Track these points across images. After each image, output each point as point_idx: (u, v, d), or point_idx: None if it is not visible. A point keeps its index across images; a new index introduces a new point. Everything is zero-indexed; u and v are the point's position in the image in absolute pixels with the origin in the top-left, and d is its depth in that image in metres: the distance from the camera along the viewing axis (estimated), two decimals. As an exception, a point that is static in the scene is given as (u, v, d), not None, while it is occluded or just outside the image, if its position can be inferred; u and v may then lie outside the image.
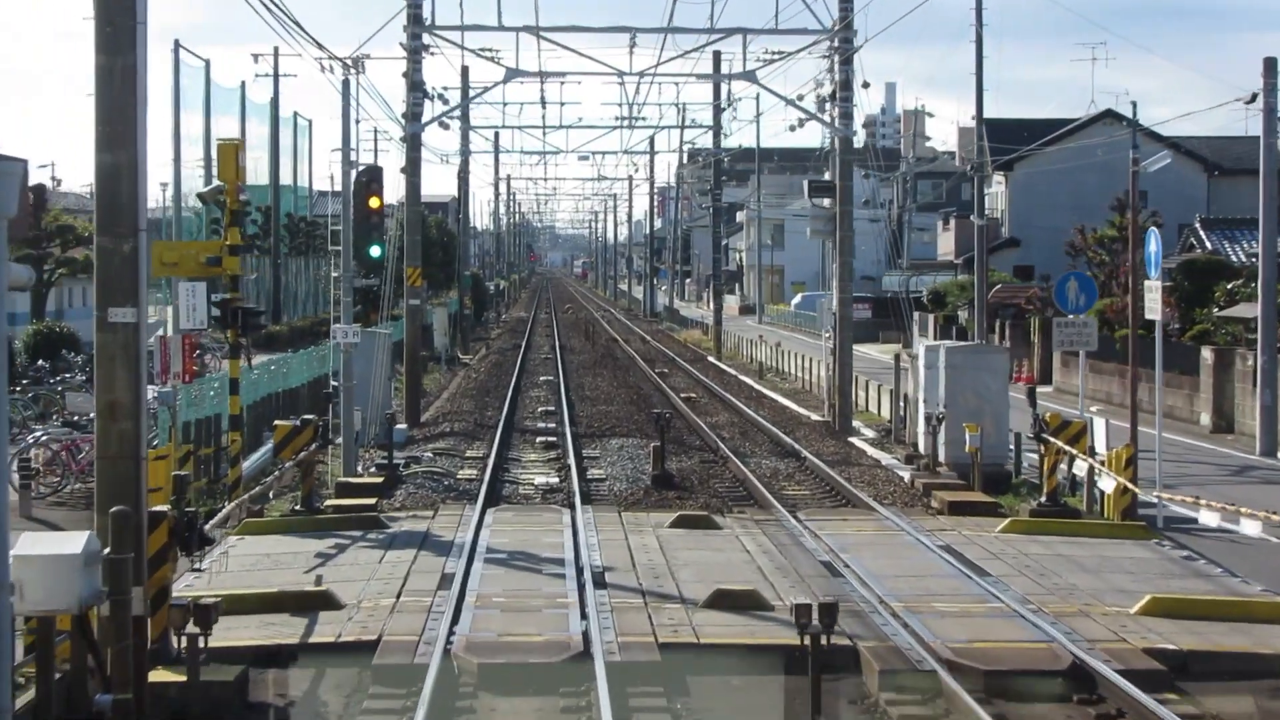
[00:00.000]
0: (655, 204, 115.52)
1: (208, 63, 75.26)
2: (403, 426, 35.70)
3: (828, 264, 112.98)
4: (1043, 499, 23.04)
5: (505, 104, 63.27)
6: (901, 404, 34.53)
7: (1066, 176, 66.01)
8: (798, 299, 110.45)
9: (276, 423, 23.71)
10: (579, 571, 17.96)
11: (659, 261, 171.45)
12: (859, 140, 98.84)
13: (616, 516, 22.48)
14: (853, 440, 34.84)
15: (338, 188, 32.66)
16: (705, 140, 73.98)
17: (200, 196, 22.19)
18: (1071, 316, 26.08)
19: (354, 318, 37.80)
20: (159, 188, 75.68)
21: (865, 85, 37.57)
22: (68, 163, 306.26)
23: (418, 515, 22.62)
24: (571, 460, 29.03)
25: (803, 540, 20.32)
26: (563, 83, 68.06)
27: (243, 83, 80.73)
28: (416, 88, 37.07)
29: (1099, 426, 23.92)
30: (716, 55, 66.82)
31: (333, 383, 28.00)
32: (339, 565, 18.63)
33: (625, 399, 43.14)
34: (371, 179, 27.42)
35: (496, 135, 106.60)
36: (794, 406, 43.07)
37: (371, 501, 23.65)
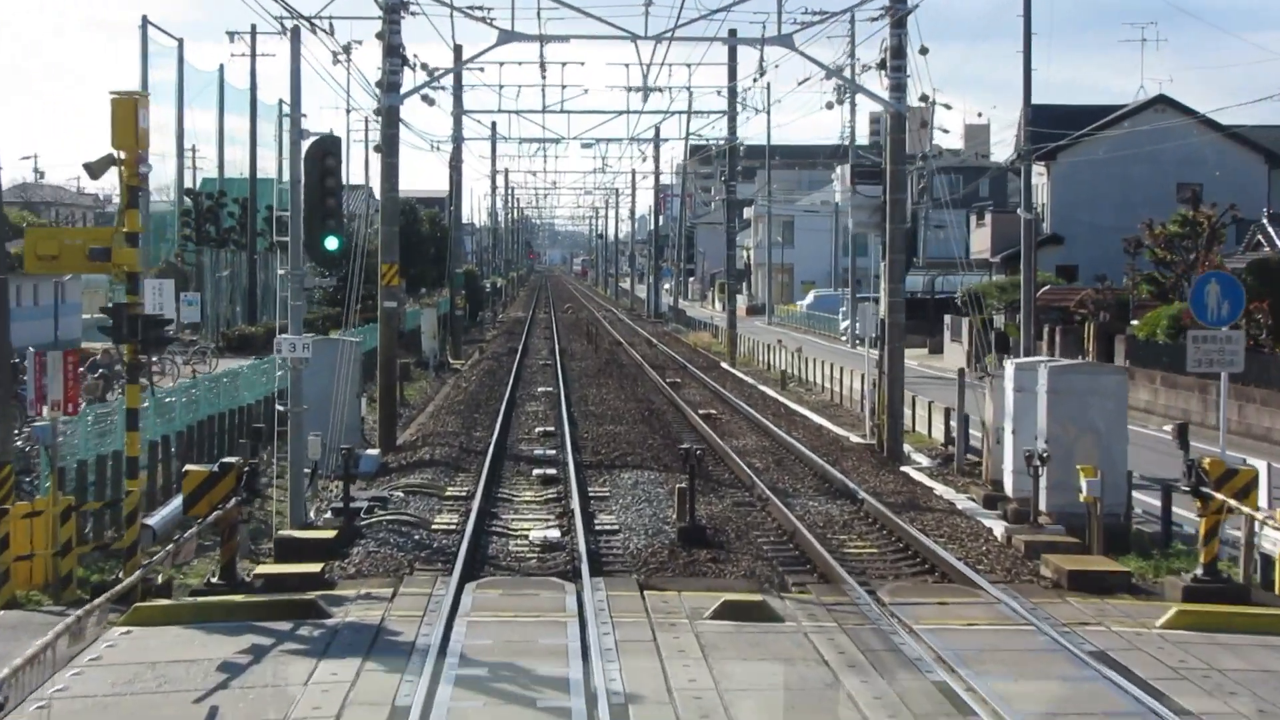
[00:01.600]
0: (658, 200, 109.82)
1: (180, 43, 69.73)
2: (374, 453, 30.12)
3: (839, 262, 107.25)
4: (1198, 571, 17.44)
5: (501, 86, 57.64)
6: (974, 431, 28.98)
7: (1113, 168, 60.45)
8: (809, 299, 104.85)
9: (188, 468, 18.06)
10: (590, 701, 12.39)
11: (661, 259, 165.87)
12: (862, 137, 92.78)
13: (638, 596, 16.87)
14: (907, 471, 29.28)
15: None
16: (713, 129, 68.40)
17: (87, 168, 16.49)
18: (1216, 330, 20.50)
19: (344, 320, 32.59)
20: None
21: (923, 51, 31.94)
22: (55, 154, 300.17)
23: (373, 595, 16.98)
24: (575, 503, 23.40)
25: (898, 642, 14.70)
26: (564, 65, 62.63)
27: (220, 66, 75.04)
28: (394, 52, 31.46)
29: (1261, 472, 18.33)
30: (732, 32, 61.43)
31: (278, 407, 22.44)
32: (245, 690, 13.01)
33: (635, 416, 37.50)
34: (327, 152, 21.81)
35: (494, 126, 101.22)
36: (828, 425, 37.49)
37: (316, 570, 18.04)
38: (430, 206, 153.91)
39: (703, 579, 18.57)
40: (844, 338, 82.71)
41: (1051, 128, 58.46)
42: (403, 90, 32.05)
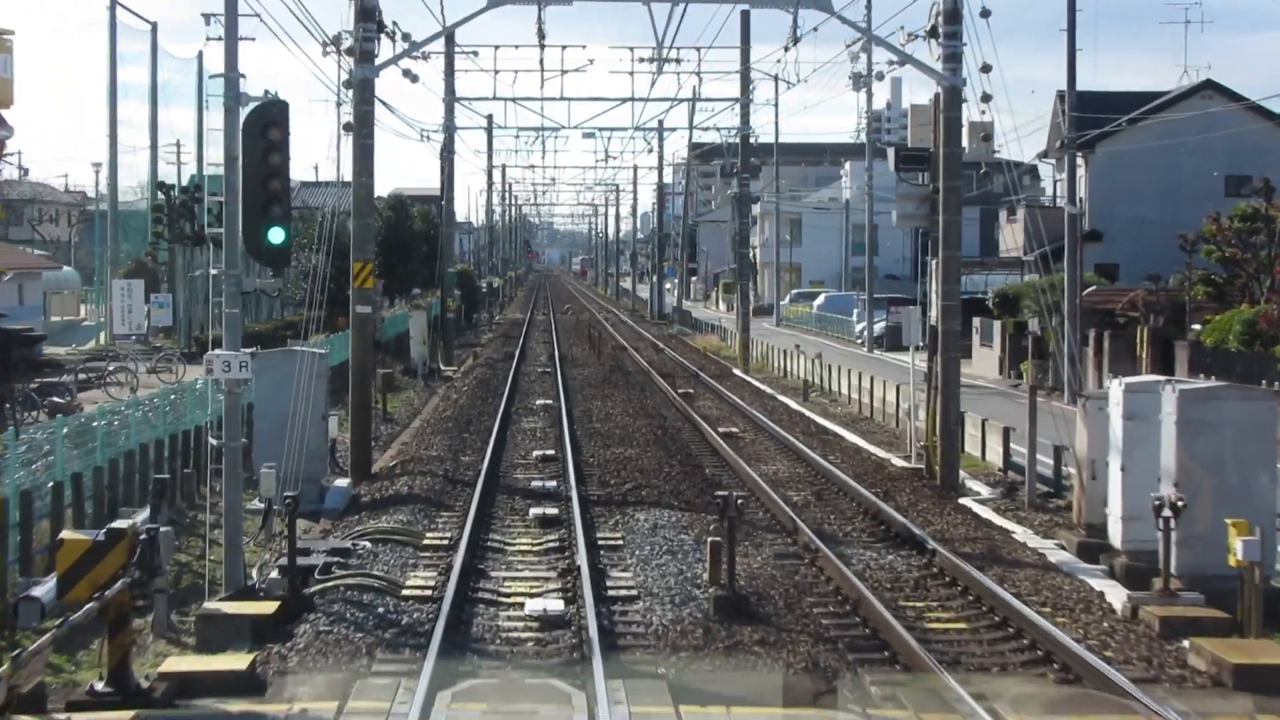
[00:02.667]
0: (661, 194, 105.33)
1: (154, 27, 65.37)
2: (344, 484, 25.69)
3: (849, 261, 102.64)
4: None
5: (496, 71, 53.15)
6: (1041, 456, 24.62)
7: (1156, 159, 55.99)
8: (821, 299, 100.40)
9: (64, 535, 13.58)
10: None
11: (663, 258, 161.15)
12: (857, 134, 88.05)
13: (670, 709, 12.44)
14: (969, 505, 24.90)
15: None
16: (723, 119, 63.97)
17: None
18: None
19: (320, 325, 28.29)
20: (91, 170, 65.65)
21: (985, 14, 27.41)
22: (41, 151, 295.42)
23: (309, 712, 12.55)
24: (582, 555, 18.95)
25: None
26: (564, 49, 58.00)
27: (200, 53, 70.84)
28: (368, 16, 27.01)
29: None
30: (745, 15, 57.02)
31: (210, 440, 18.01)
32: None
33: (646, 435, 33.00)
34: (270, 122, 17.34)
35: (490, 120, 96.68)
36: (864, 444, 33.09)
37: (243, 665, 13.64)
38: (424, 204, 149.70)
39: (752, 675, 14.14)
40: (859, 340, 78.31)
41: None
42: (379, 60, 27.57)
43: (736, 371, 54.86)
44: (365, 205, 27.61)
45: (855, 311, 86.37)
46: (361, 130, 27.19)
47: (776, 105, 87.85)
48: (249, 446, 27.07)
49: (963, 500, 25.59)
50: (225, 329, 17.71)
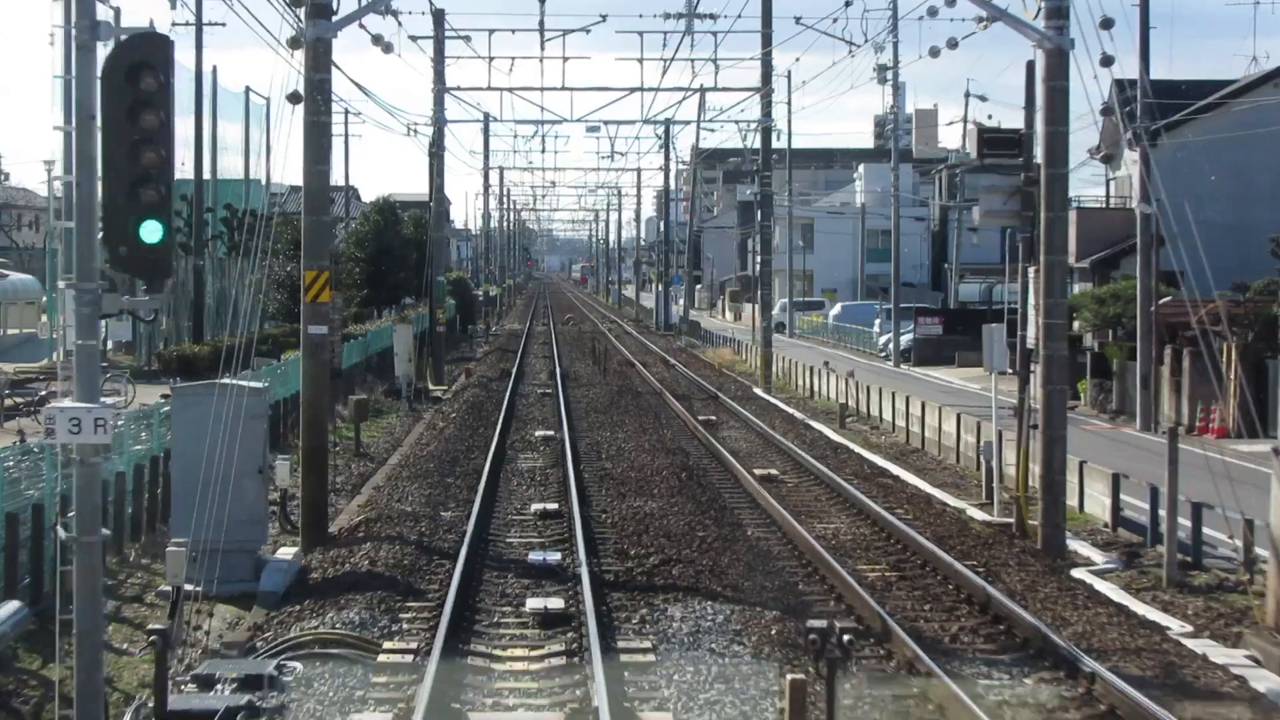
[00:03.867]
0: (668, 196, 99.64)
1: (116, 13, 59.71)
2: (289, 555, 20.01)
3: (862, 268, 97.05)
4: None
5: (492, 58, 47.69)
6: (1133, 502, 19.05)
7: (1225, 154, 50.34)
8: (837, 309, 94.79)
9: None
10: None
11: (669, 265, 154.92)
12: (865, 138, 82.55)
13: None
14: (1087, 580, 19.38)
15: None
16: (740, 111, 58.34)
17: None
18: None
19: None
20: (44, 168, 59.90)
21: (1102, -45, 21.74)
22: (26, 153, 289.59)
23: None
24: (599, 685, 13.26)
25: None
26: (565, 34, 52.44)
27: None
28: (322, -41, 21.35)
29: None
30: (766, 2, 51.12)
31: (59, 532, 12.33)
32: None
33: (669, 479, 27.18)
34: (141, 63, 11.75)
35: (487, 119, 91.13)
36: (929, 489, 27.54)
37: None
38: (417, 209, 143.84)
39: None
40: (883, 354, 72.70)
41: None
42: (337, 15, 21.88)
43: (758, 391, 49.23)
44: (319, 199, 21.89)
45: (877, 322, 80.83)
46: (315, 103, 21.50)
47: (790, 103, 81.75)
48: (161, 508, 21.50)
49: (1076, 573, 20.00)
50: (77, 368, 12.03)
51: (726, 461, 29.34)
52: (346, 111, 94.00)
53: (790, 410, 42.70)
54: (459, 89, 51.17)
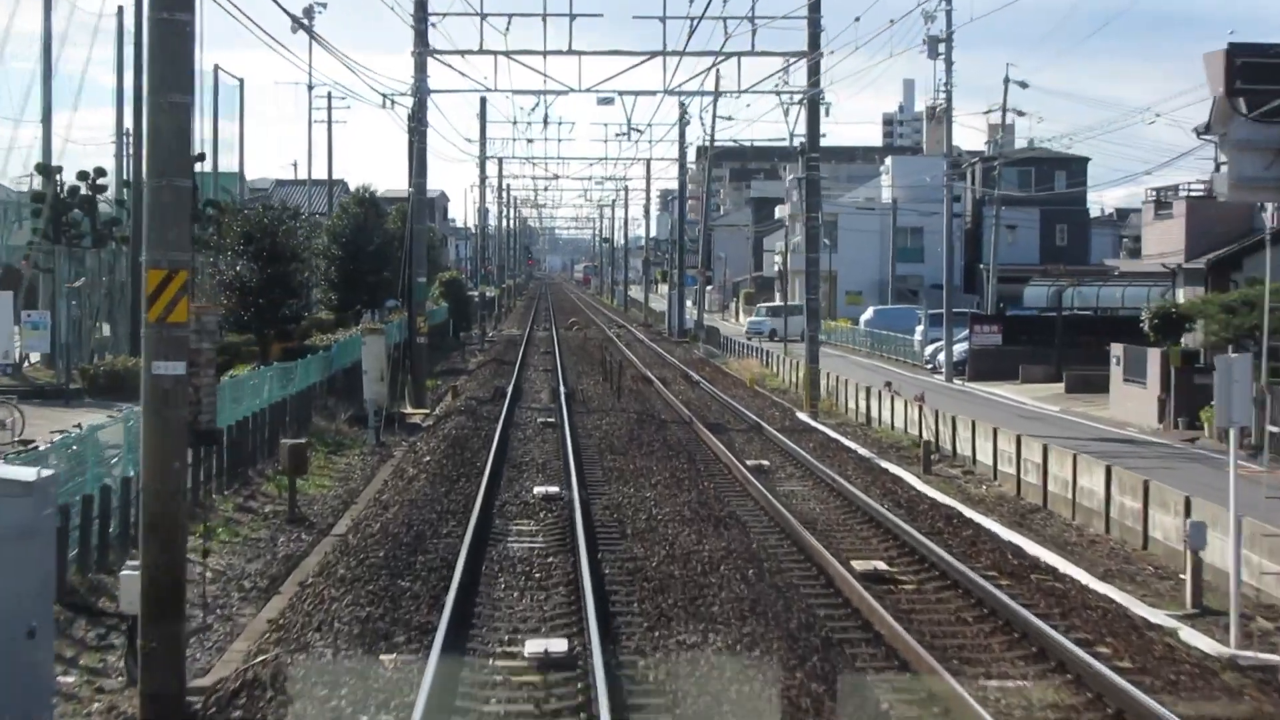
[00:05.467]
0: (684, 187, 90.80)
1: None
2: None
3: (888, 269, 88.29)
4: None
5: (485, 15, 39.14)
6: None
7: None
8: (868, 314, 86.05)
9: None
10: None
11: (684, 265, 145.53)
12: (872, 138, 72.90)
13: None
14: None
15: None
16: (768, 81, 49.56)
17: None
18: None
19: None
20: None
21: None
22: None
23: None
24: None
25: None
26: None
27: (119, 8, 56.49)
28: None
29: None
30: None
31: None
32: None
33: (733, 586, 18.04)
34: None
35: (484, 103, 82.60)
36: (1094, 583, 18.89)
37: None
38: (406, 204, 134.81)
39: None
40: (929, 366, 63.99)
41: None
42: None
43: (803, 417, 40.59)
44: (170, 148, 13.06)
45: (919, 329, 72.10)
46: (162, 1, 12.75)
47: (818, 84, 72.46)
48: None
49: None
50: None
51: (807, 544, 20.60)
52: (330, 96, 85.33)
53: (851, 445, 34.05)
54: (445, 52, 42.44)
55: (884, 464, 30.89)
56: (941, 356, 61.67)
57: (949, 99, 59.89)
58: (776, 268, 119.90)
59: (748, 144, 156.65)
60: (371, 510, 24.21)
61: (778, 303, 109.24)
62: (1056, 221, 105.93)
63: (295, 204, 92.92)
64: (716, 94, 67.86)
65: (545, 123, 41.01)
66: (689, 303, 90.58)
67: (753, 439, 34.12)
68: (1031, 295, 67.26)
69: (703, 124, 48.50)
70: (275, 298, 41.93)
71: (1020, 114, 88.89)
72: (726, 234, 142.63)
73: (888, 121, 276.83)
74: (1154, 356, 40.24)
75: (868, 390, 41.70)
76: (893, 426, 38.44)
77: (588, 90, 42.57)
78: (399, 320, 46.57)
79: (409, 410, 41.62)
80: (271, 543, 22.08)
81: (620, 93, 43.54)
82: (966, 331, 60.22)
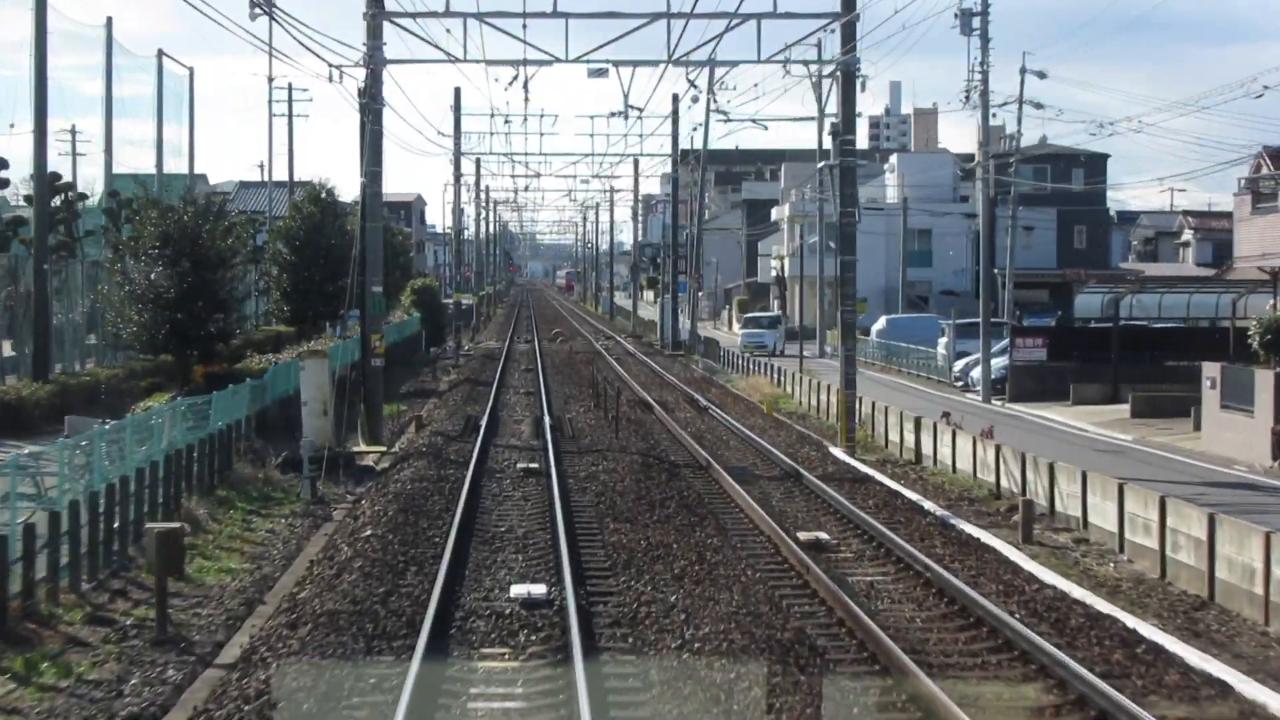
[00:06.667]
0: (676, 184, 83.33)
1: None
2: None
3: (904, 274, 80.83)
4: None
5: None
6: None
7: None
8: (880, 324, 78.81)
9: None
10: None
11: (658, 271, 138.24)
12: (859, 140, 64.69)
13: None
14: None
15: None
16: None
17: None
18: None
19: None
20: None
21: None
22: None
23: None
24: None
25: None
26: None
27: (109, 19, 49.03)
28: None
29: None
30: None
31: None
32: None
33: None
34: None
35: (458, 94, 75.12)
36: None
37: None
38: (393, 215, 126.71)
39: None
40: (958, 382, 56.78)
41: None
42: None
43: (838, 452, 33.45)
44: None
45: (942, 341, 64.84)
46: None
47: (832, 75, 64.79)
48: None
49: None
50: None
51: (933, 705, 13.26)
52: (290, 87, 77.76)
53: (912, 496, 26.82)
54: (403, 15, 34.98)
55: (963, 526, 23.66)
56: (975, 373, 54.47)
57: (985, 79, 52.72)
58: (774, 273, 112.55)
59: (734, 149, 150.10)
60: (280, 624, 16.78)
61: (774, 312, 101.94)
62: (1075, 222, 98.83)
63: (256, 207, 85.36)
64: (712, 84, 60.58)
65: (526, 98, 34.72)
66: (681, 312, 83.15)
67: (792, 493, 26.74)
68: (1083, 303, 59.87)
69: (714, 97, 41.47)
70: (198, 311, 34.53)
71: (1038, 106, 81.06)
72: (716, 238, 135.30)
73: (874, 124, 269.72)
74: (1265, 379, 33.08)
75: (917, 422, 34.33)
76: (953, 467, 31.18)
77: (576, 60, 35.15)
78: (337, 343, 39.11)
79: (361, 448, 34.22)
80: (118, 687, 14.69)
81: (615, 63, 35.96)
82: (1003, 343, 53.11)
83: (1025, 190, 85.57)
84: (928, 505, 26.11)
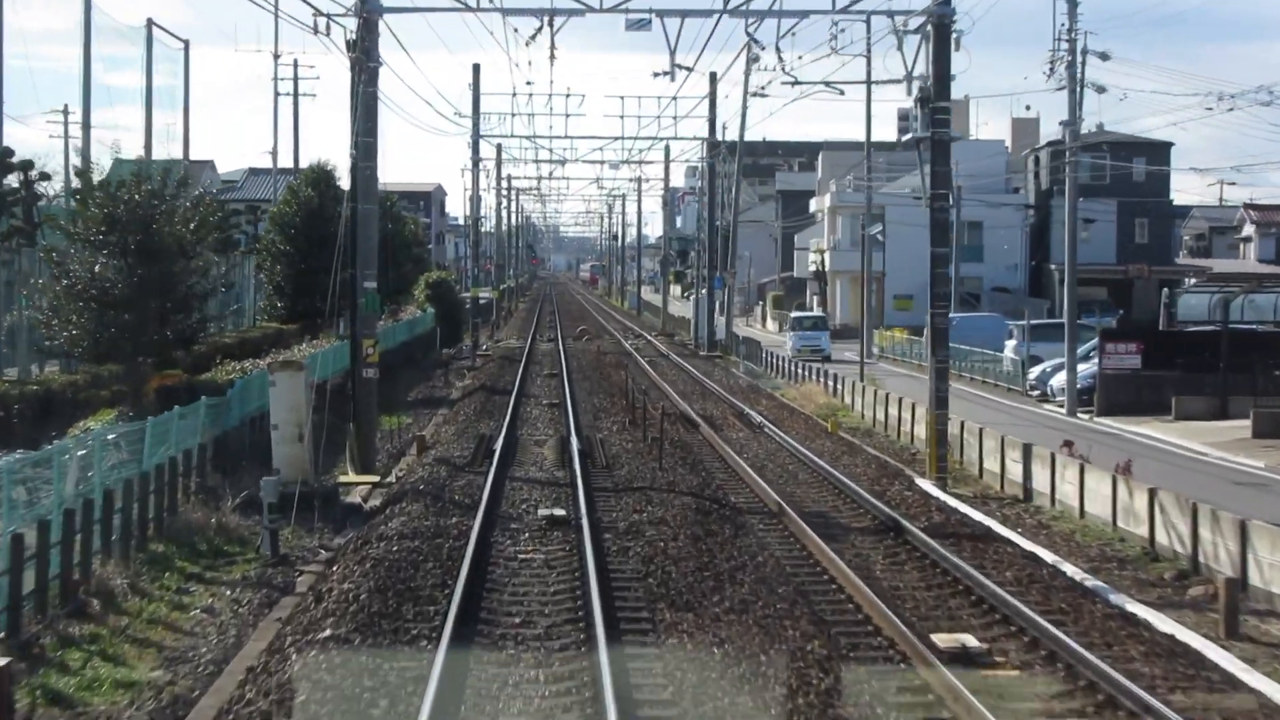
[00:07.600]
0: (713, 173, 76.94)
1: None
2: None
3: (957, 269, 74.41)
4: None
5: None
6: None
7: None
8: (930, 322, 72.08)
9: None
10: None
11: (686, 265, 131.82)
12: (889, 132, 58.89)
13: None
14: None
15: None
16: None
17: None
18: None
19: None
20: None
21: None
22: None
23: None
24: None
25: None
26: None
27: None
28: None
29: None
30: None
31: None
32: None
33: None
34: None
35: (476, 69, 68.99)
36: None
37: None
38: (412, 205, 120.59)
39: None
40: (1034, 391, 50.45)
41: None
42: None
43: (927, 486, 27.29)
44: None
45: (1010, 344, 58.52)
46: None
47: (869, 55, 57.99)
48: None
49: None
50: None
51: None
52: (295, 64, 71.72)
53: (1048, 558, 20.56)
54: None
55: (1132, 608, 17.44)
56: (1054, 381, 48.20)
57: (1073, 48, 46.36)
58: (812, 268, 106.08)
59: (761, 140, 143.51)
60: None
61: (816, 311, 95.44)
62: (1136, 215, 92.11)
63: (265, 194, 79.11)
64: (779, 38, 54.02)
65: (552, 55, 29.42)
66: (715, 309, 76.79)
67: (898, 557, 20.44)
68: (1187, 305, 53.28)
69: (780, 54, 35.78)
70: (154, 311, 28.38)
71: (1101, 90, 73.65)
72: (749, 231, 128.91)
73: (902, 117, 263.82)
74: None
75: (1026, 450, 28.00)
76: (1080, 510, 24.94)
77: (613, 9, 28.88)
78: (314, 353, 32.89)
79: (349, 478, 28.05)
80: None
81: (659, 12, 29.66)
82: (1087, 347, 46.87)
83: (1083, 180, 78.83)
84: (1064, 566, 19.96)
